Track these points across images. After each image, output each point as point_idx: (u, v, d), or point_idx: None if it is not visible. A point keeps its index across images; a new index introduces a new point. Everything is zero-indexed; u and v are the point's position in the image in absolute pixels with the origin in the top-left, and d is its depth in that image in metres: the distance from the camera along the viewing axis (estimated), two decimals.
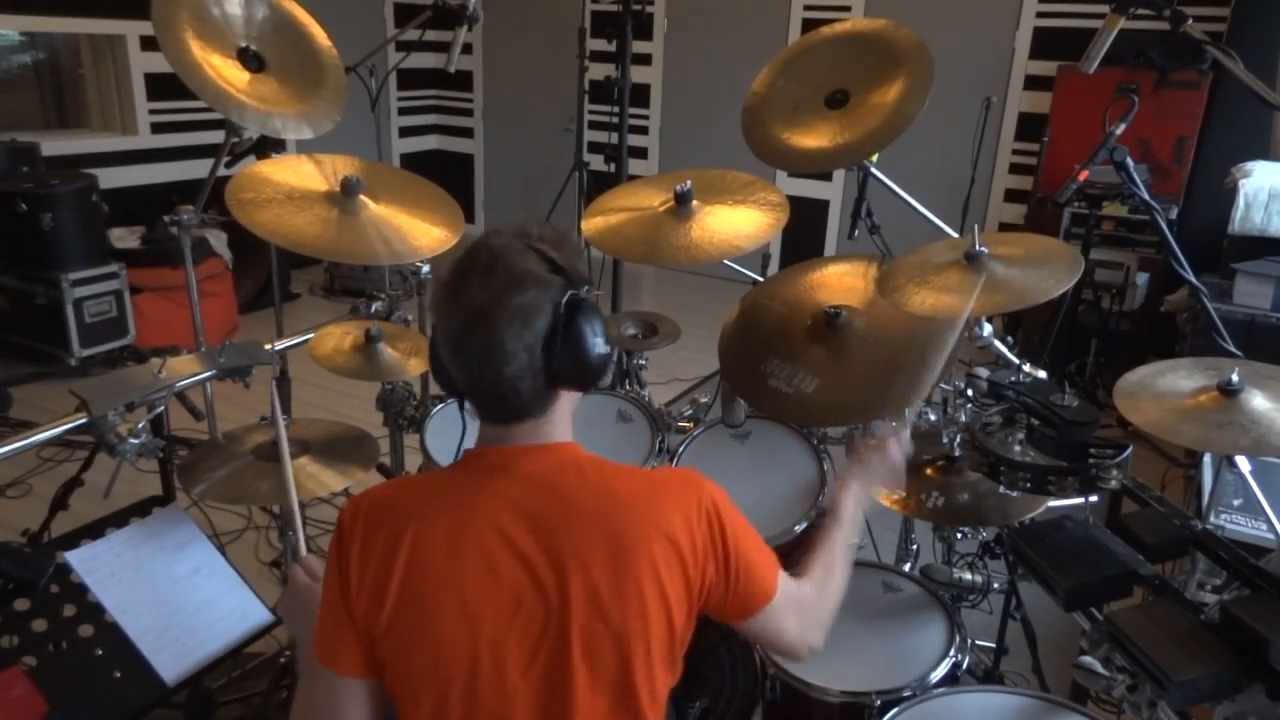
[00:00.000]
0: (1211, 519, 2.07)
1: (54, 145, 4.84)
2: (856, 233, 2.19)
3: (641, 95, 6.29)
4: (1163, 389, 1.48)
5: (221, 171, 2.31)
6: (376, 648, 1.10)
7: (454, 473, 1.16)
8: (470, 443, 1.20)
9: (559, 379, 1.12)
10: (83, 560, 1.68)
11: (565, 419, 1.17)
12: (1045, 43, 5.04)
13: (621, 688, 1.11)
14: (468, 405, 1.18)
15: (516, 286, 1.07)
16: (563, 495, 1.11)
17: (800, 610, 1.26)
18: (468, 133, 7.30)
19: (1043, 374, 1.59)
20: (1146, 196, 2.02)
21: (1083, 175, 2.39)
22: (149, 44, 5.01)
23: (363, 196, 1.92)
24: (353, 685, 1.11)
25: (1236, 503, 2.11)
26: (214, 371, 1.78)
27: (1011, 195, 5.33)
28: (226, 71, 2.23)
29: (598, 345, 1.12)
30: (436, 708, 1.09)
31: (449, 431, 2.22)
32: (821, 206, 5.96)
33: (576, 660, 1.08)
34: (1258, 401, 1.39)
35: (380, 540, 1.10)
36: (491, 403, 1.13)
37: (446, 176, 6.94)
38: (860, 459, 1.47)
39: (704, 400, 2.44)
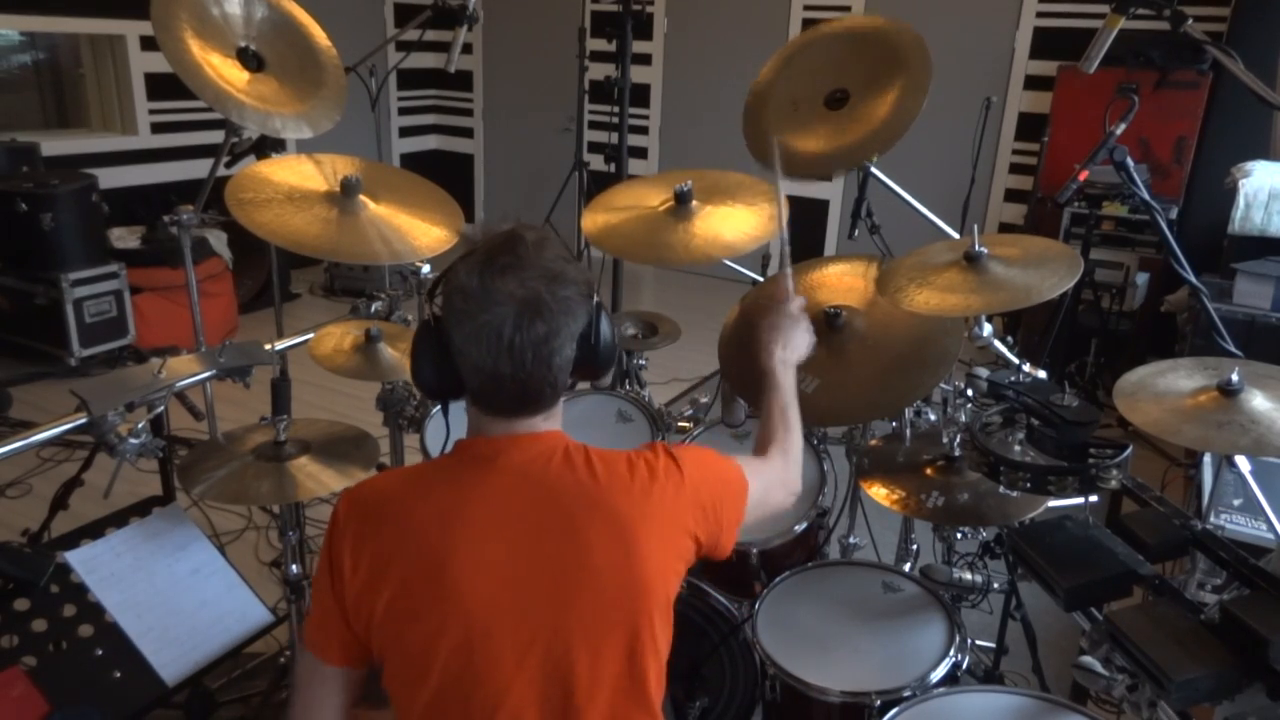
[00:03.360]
0: (1211, 519, 2.07)
1: (54, 145, 4.84)
2: (856, 233, 2.19)
3: (641, 95, 6.29)
4: (1163, 389, 1.47)
5: (221, 171, 2.30)
6: (371, 639, 1.11)
7: (445, 463, 1.18)
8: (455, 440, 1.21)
9: (578, 371, 1.16)
10: (83, 560, 1.68)
11: (560, 411, 1.20)
12: (1045, 43, 5.04)
13: (628, 665, 1.12)
14: (464, 401, 1.18)
15: (561, 280, 1.10)
16: (555, 481, 1.13)
17: (773, 485, 1.36)
18: (468, 133, 7.30)
19: (1043, 374, 1.59)
20: (1146, 196, 2.02)
21: (1083, 175, 2.38)
22: (149, 44, 5.00)
23: (363, 196, 1.92)
24: (330, 671, 1.15)
25: (1236, 503, 2.11)
26: (214, 371, 1.78)
27: (1011, 195, 5.33)
28: (226, 71, 2.23)
29: (614, 341, 1.20)
30: (433, 697, 1.09)
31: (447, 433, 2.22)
32: (821, 206, 5.96)
33: (578, 640, 1.09)
34: (1258, 401, 1.39)
35: (372, 532, 1.11)
36: (523, 397, 1.13)
37: (446, 176, 6.94)
38: (772, 327, 1.56)
39: (704, 400, 2.45)
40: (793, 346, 1.56)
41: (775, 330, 1.55)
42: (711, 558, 1.26)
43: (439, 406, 2.32)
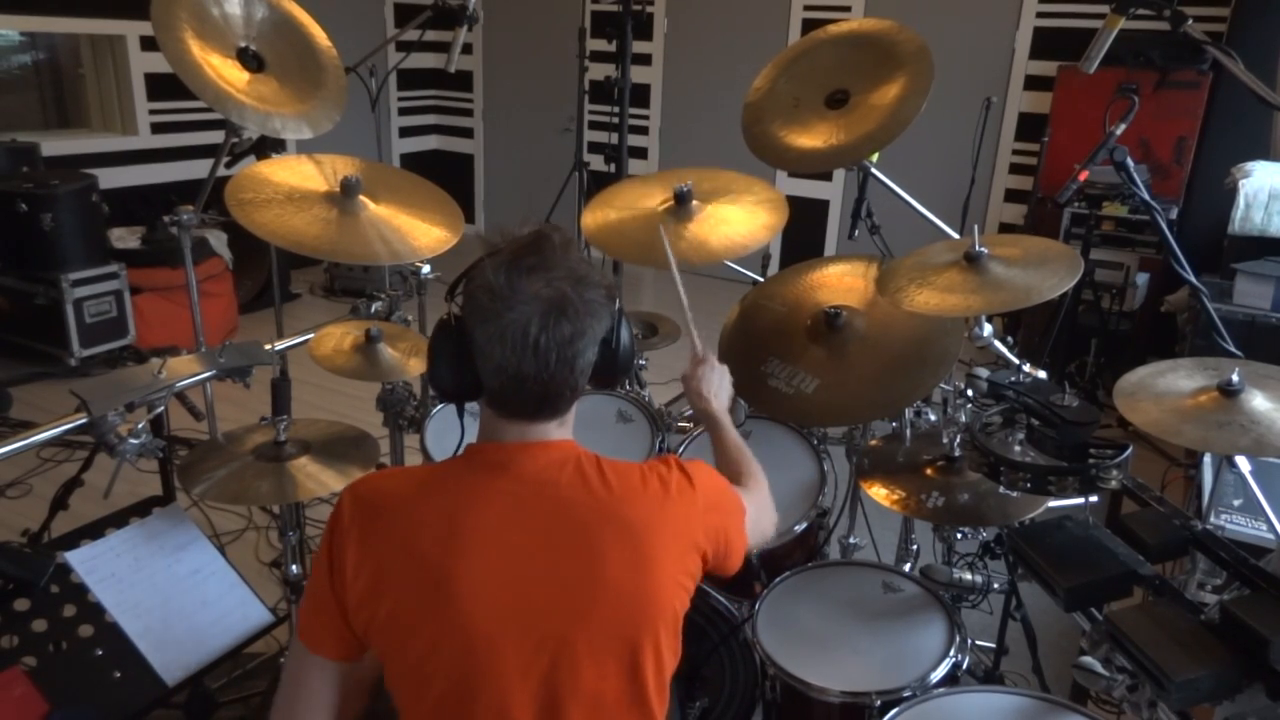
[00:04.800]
0: (1211, 519, 2.07)
1: (54, 145, 4.84)
2: (856, 233, 2.19)
3: (641, 95, 6.29)
4: (1163, 389, 1.47)
5: (221, 171, 2.30)
6: (371, 642, 1.11)
7: (455, 468, 1.16)
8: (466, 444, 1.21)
9: (595, 375, 1.16)
10: (83, 560, 1.68)
11: (573, 417, 1.20)
12: (1045, 43, 5.04)
13: (632, 681, 1.11)
14: (477, 404, 1.18)
15: (586, 283, 1.10)
16: (567, 491, 1.12)
17: (762, 510, 1.38)
18: (468, 133, 7.30)
19: (1043, 374, 1.59)
20: (1146, 196, 2.02)
21: (1083, 175, 2.38)
22: (149, 44, 5.00)
23: (362, 196, 1.92)
24: (327, 665, 1.13)
25: (1236, 503, 2.11)
26: (214, 371, 1.78)
27: (1011, 195, 5.33)
28: (226, 71, 2.23)
29: (633, 346, 1.21)
30: (436, 704, 1.09)
31: (449, 432, 2.22)
32: (821, 206, 5.96)
33: (585, 654, 1.08)
34: (1258, 401, 1.39)
35: (377, 535, 1.10)
36: (543, 399, 1.12)
37: (446, 176, 6.94)
38: (688, 376, 1.58)
39: (730, 392, 2.44)
40: (721, 391, 1.59)
41: (702, 382, 1.57)
42: (717, 574, 1.26)
43: (440, 406, 2.33)
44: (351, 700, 1.20)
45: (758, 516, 1.34)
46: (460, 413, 1.27)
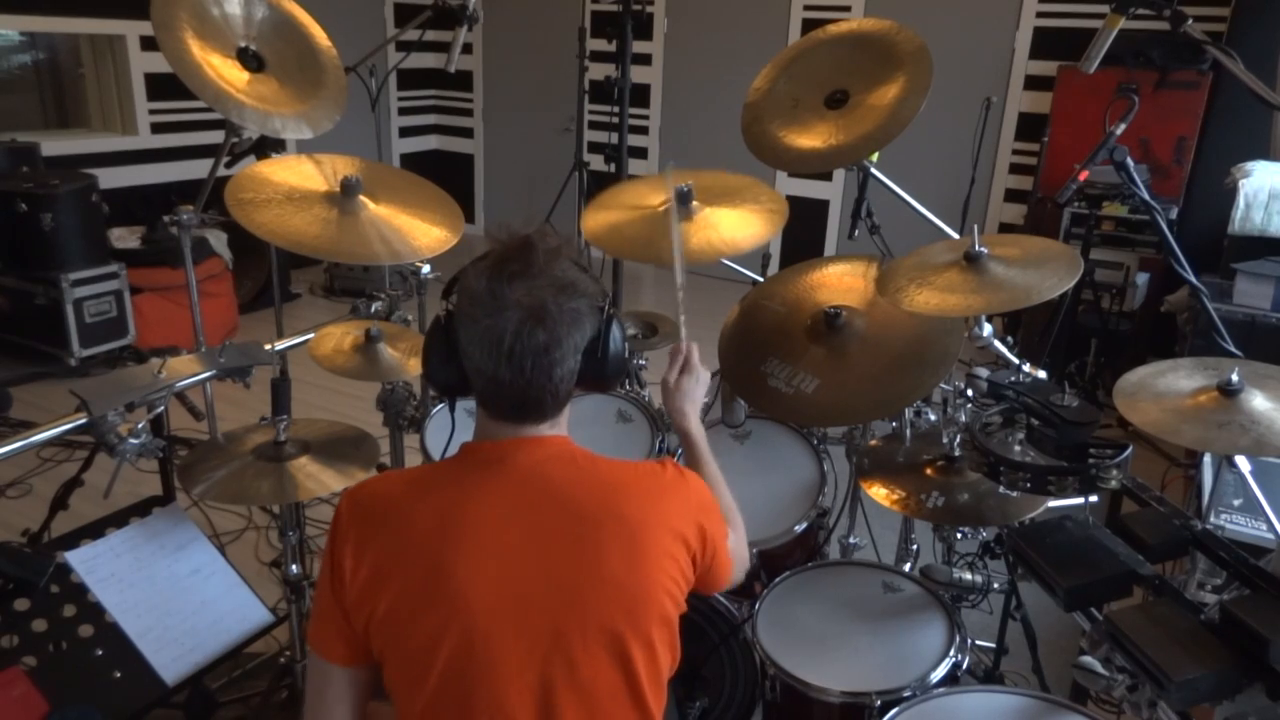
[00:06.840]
0: (1211, 519, 2.07)
1: (54, 145, 4.84)
2: (856, 233, 2.19)
3: (641, 95, 6.29)
4: (1163, 389, 1.48)
5: (221, 171, 2.30)
6: (370, 640, 1.11)
7: (449, 466, 1.18)
8: (460, 441, 1.21)
9: (584, 383, 1.16)
10: (83, 560, 1.68)
11: (566, 418, 1.20)
12: (1045, 43, 5.04)
13: (626, 676, 1.12)
14: (473, 404, 1.18)
15: (570, 291, 1.10)
16: (562, 485, 1.13)
17: (739, 544, 1.37)
18: (468, 133, 7.30)
19: (1043, 374, 1.59)
20: (1146, 196, 2.02)
21: (1083, 175, 2.38)
22: (149, 44, 5.01)
23: (362, 197, 1.92)
24: (337, 671, 1.15)
25: (1236, 503, 2.11)
26: (214, 371, 1.78)
27: (1011, 195, 5.33)
28: (226, 71, 2.23)
29: (625, 353, 1.19)
30: (432, 699, 1.09)
31: (449, 431, 2.22)
32: (821, 206, 5.96)
33: (580, 647, 1.09)
34: (1258, 401, 1.39)
35: (374, 534, 1.11)
36: (523, 404, 1.13)
37: (446, 176, 6.95)
38: (673, 387, 1.54)
39: (704, 400, 2.44)
40: (697, 400, 1.56)
41: (681, 393, 1.53)
42: (701, 589, 1.25)
43: (440, 406, 2.33)
44: None
45: (735, 547, 1.33)
46: (452, 408, 1.28)
